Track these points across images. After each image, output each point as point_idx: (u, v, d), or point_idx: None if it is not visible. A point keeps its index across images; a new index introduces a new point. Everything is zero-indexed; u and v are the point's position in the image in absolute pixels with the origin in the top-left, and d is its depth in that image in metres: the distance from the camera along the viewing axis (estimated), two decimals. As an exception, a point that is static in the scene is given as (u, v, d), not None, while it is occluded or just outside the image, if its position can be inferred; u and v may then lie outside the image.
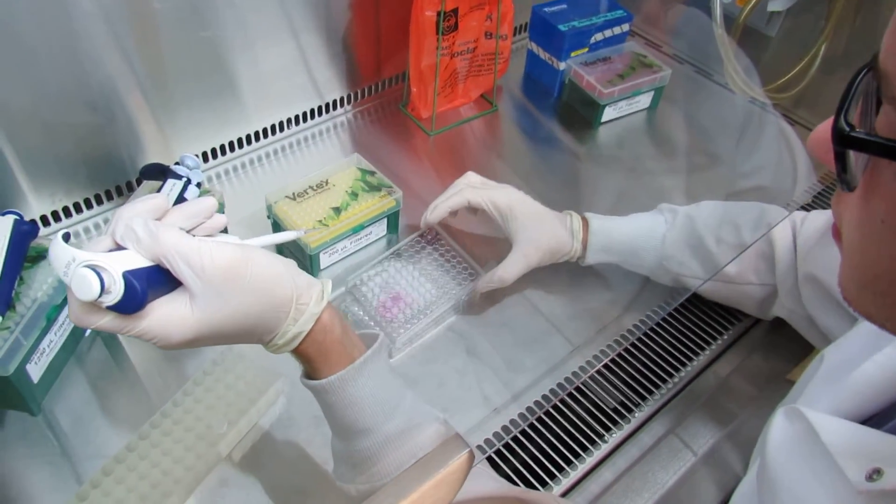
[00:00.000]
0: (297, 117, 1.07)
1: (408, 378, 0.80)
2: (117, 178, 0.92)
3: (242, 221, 0.95)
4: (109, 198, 0.93)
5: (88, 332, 0.80)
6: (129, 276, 0.47)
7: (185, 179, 0.84)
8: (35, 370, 0.73)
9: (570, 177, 1.06)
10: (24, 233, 0.75)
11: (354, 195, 0.90)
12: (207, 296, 0.49)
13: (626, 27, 1.18)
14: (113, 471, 0.69)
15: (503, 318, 0.86)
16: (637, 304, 0.88)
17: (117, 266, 0.47)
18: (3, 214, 0.75)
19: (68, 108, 0.83)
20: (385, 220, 0.92)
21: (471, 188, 0.86)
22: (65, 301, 0.76)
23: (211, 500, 0.70)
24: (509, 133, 1.14)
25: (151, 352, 0.80)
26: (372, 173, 0.93)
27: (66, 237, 0.48)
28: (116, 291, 0.47)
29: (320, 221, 0.86)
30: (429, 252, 0.91)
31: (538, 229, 0.83)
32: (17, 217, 0.75)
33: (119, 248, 0.49)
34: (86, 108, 0.85)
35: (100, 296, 0.47)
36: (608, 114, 1.14)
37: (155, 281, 0.49)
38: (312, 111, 1.08)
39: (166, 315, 0.49)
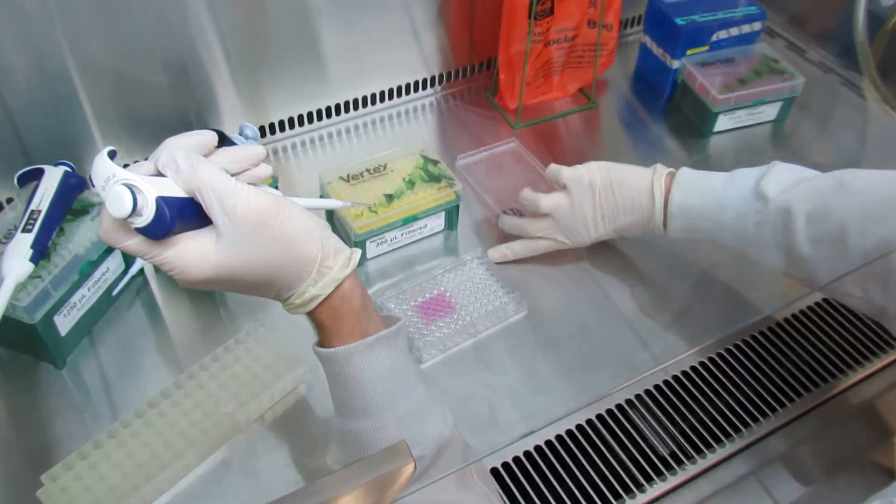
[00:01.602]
0: (380, 94, 1.09)
1: (432, 387, 0.80)
2: (179, 141, 0.98)
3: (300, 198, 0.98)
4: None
5: (123, 284, 0.85)
6: (161, 202, 0.51)
7: (249, 144, 0.87)
8: (63, 323, 0.79)
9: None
10: (72, 185, 0.81)
11: (411, 184, 0.91)
12: (233, 238, 0.52)
13: (757, 26, 1.11)
14: (117, 434, 0.73)
15: (549, 336, 0.85)
16: (710, 334, 0.84)
17: (152, 190, 0.51)
18: (56, 165, 0.82)
19: (146, 65, 0.90)
20: (443, 214, 0.92)
21: (565, 174, 0.87)
22: (100, 259, 0.82)
23: (208, 483, 0.73)
24: (607, 134, 1.11)
25: (187, 319, 0.85)
26: (435, 162, 0.94)
27: (112, 154, 0.53)
28: (147, 214, 0.51)
29: (370, 208, 0.88)
30: (488, 263, 0.91)
31: (599, 176, 0.84)
32: (69, 169, 0.82)
33: (159, 175, 0.53)
34: (162, 66, 0.91)
35: (131, 214, 0.50)
36: (722, 123, 1.09)
37: (186, 213, 0.53)
38: (399, 88, 1.10)
39: (190, 249, 0.53)
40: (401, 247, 0.93)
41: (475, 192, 0.99)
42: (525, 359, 0.83)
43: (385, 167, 0.93)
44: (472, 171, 1.03)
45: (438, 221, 0.93)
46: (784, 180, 0.77)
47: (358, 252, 0.59)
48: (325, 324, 0.59)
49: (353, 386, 0.59)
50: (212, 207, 0.52)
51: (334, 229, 0.93)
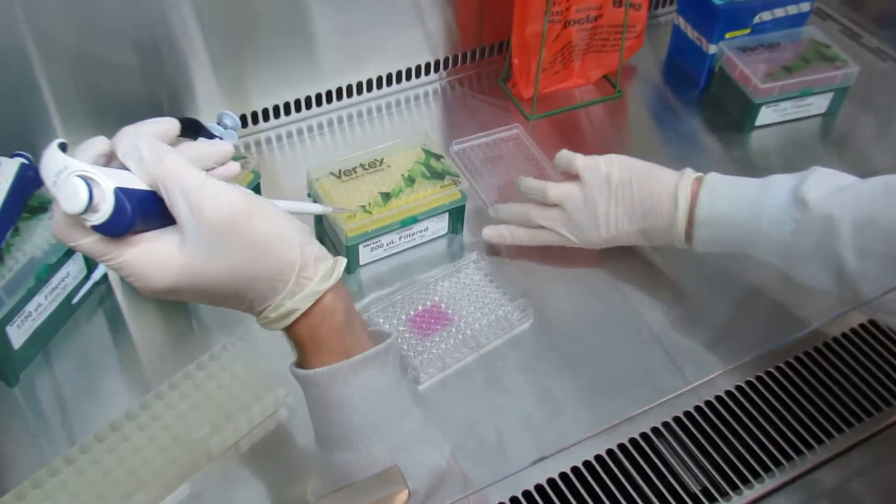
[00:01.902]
0: (377, 79, 1.07)
1: (432, 412, 0.78)
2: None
3: (281, 198, 0.94)
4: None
5: (84, 291, 0.84)
6: (120, 193, 0.50)
7: (216, 140, 0.85)
8: (17, 334, 0.77)
9: None
10: (29, 179, 0.78)
11: (411, 181, 0.89)
12: (199, 241, 0.51)
13: (805, 6, 1.09)
14: (75, 460, 0.71)
15: (562, 352, 0.83)
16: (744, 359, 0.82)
17: (110, 182, 0.50)
18: (12, 157, 0.80)
19: (113, 44, 0.88)
20: (446, 215, 0.90)
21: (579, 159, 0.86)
22: (59, 262, 0.79)
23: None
24: (634, 127, 1.09)
25: (155, 332, 0.83)
26: (438, 157, 0.92)
27: (64, 147, 0.51)
28: (105, 210, 0.49)
29: (363, 207, 0.86)
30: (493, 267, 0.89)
31: (618, 171, 0.83)
32: (25, 161, 0.79)
33: (119, 168, 0.52)
34: (132, 45, 0.89)
35: (86, 210, 0.49)
36: (765, 116, 1.06)
37: (149, 209, 0.52)
38: (399, 73, 1.09)
39: (150, 252, 0.51)
40: (398, 252, 0.91)
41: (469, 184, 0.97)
42: (537, 377, 0.81)
43: (382, 162, 0.91)
44: (465, 158, 1.01)
45: (441, 224, 0.91)
46: (825, 185, 0.75)
47: (343, 261, 0.58)
48: (304, 342, 0.58)
49: (335, 413, 0.58)
50: (176, 204, 0.51)
51: (323, 232, 0.91)
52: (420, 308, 0.85)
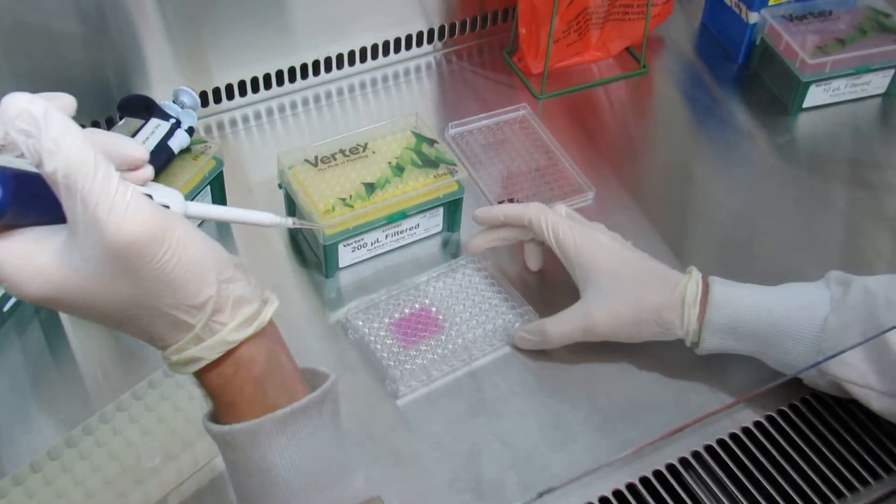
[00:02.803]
0: (360, 51, 1.10)
1: (412, 434, 0.80)
2: (94, 109, 0.98)
3: (248, 189, 0.99)
4: (82, 135, 1.00)
5: (13, 301, 0.86)
6: None
7: (172, 122, 0.88)
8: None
9: (748, 187, 1.03)
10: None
11: (399, 170, 0.91)
12: (91, 258, 0.49)
13: (861, -32, 1.12)
14: (6, 494, 0.72)
15: (577, 374, 0.85)
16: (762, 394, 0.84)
17: None
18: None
19: (54, 9, 0.89)
20: (441, 210, 0.93)
21: (542, 211, 0.87)
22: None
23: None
24: (662, 109, 1.11)
25: (100, 344, 0.85)
26: (431, 142, 0.94)
27: None
28: None
29: (343, 200, 0.88)
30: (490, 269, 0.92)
31: (622, 286, 0.83)
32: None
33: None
34: (74, 10, 0.90)
35: None
36: (815, 96, 1.09)
37: (34, 195, 0.48)
38: (386, 44, 1.11)
39: (26, 251, 0.49)
40: (384, 253, 0.93)
41: (468, 173, 1.00)
42: (543, 398, 0.83)
43: (365, 148, 0.93)
44: (464, 143, 1.04)
45: (435, 220, 0.94)
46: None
47: (273, 306, 0.58)
48: (215, 392, 0.57)
49: (259, 479, 0.57)
50: (72, 209, 0.48)
51: (296, 228, 0.94)
52: (407, 311, 0.87)
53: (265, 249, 0.95)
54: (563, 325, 0.84)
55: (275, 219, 0.65)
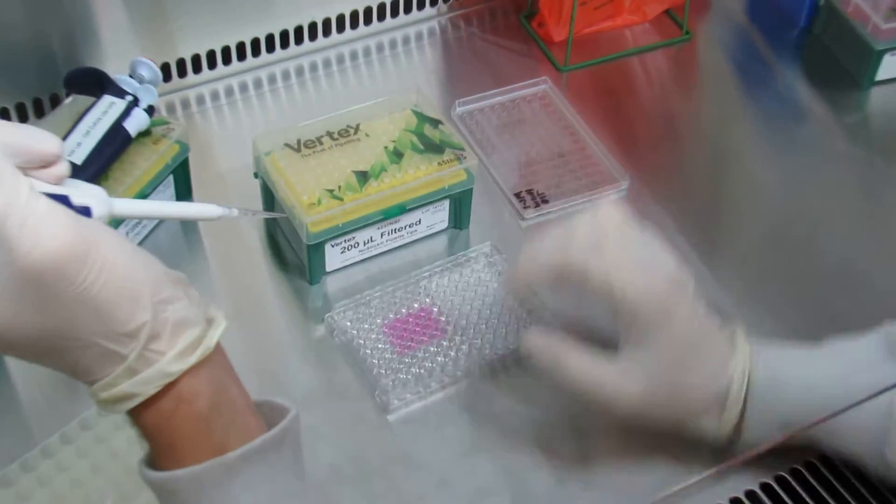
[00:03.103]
0: (351, 15, 1.09)
1: (404, 458, 0.80)
2: (35, 85, 0.98)
3: (218, 179, 0.99)
4: (22, 115, 0.98)
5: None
6: None
7: (129, 99, 0.88)
8: None
9: (810, 176, 1.03)
10: None
11: (397, 155, 0.91)
12: None
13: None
14: None
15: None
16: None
17: None
18: None
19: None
20: (446, 203, 0.93)
21: (582, 249, 0.77)
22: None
23: None
24: (707, 82, 1.11)
25: (44, 375, 0.84)
26: (435, 123, 0.93)
27: None
28: None
29: (331, 192, 0.88)
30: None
31: (664, 366, 0.76)
32: None
33: None
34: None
35: None
36: (891, 67, 1.08)
37: None
38: (382, 7, 1.10)
39: None
40: (380, 254, 0.93)
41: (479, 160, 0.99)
42: (564, 423, 0.83)
43: (357, 129, 0.93)
44: (474, 124, 1.03)
45: (439, 215, 0.93)
46: None
47: (219, 328, 0.57)
48: (152, 433, 0.57)
49: None
50: None
51: (275, 226, 0.94)
52: (404, 311, 0.87)
53: (237, 251, 0.95)
54: (590, 374, 0.77)
55: (218, 210, 0.65)
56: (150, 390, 0.54)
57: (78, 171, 0.82)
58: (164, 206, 0.62)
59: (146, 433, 0.57)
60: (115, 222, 0.86)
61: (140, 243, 0.91)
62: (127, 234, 0.89)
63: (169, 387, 0.55)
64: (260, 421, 0.59)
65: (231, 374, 0.59)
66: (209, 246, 0.95)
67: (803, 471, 0.81)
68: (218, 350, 0.57)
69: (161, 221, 0.93)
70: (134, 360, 0.53)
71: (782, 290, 0.92)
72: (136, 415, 0.56)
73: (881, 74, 1.09)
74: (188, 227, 0.95)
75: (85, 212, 0.55)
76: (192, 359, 0.55)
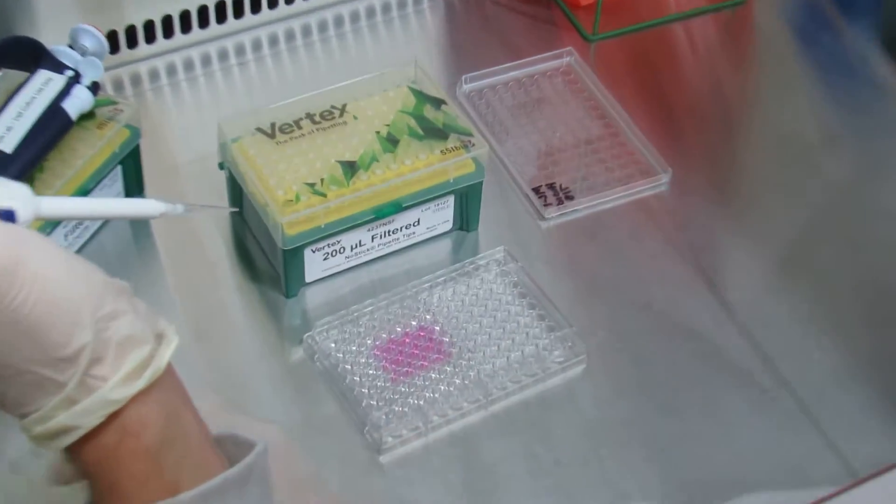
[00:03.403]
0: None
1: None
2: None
3: (178, 171, 0.98)
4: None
5: None
6: None
7: (68, 74, 0.87)
8: None
9: (889, 164, 1.03)
10: None
11: (392, 142, 0.90)
12: None
13: None
14: None
15: (646, 427, 0.84)
16: None
17: None
18: None
19: None
20: (451, 200, 0.92)
21: None
22: None
23: None
24: (766, 54, 1.12)
25: None
26: (438, 103, 0.93)
27: None
28: None
29: (312, 186, 0.87)
30: (523, 280, 0.91)
31: None
32: None
33: None
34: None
35: None
36: None
37: None
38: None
39: None
40: (371, 261, 0.93)
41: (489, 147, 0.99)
42: (594, 459, 0.82)
43: (343, 111, 0.92)
44: (484, 104, 1.02)
45: (443, 214, 0.93)
46: None
47: (171, 345, 0.57)
48: (94, 472, 0.57)
49: None
50: None
51: (244, 226, 0.94)
52: (399, 330, 0.87)
53: (198, 258, 0.95)
54: None
55: (160, 206, 0.65)
56: (92, 422, 0.54)
57: (8, 162, 0.83)
58: (97, 204, 0.62)
59: (87, 472, 0.57)
60: (50, 224, 0.86)
61: (80, 249, 0.92)
62: (66, 237, 0.90)
63: (113, 417, 0.55)
64: (220, 457, 0.59)
65: (185, 401, 0.58)
66: (164, 251, 0.95)
67: None
68: (169, 372, 0.57)
69: (106, 222, 0.93)
70: (73, 388, 0.53)
71: (860, 310, 0.92)
72: (76, 451, 0.55)
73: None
74: (139, 228, 0.95)
75: (7, 216, 0.55)
76: (140, 383, 0.55)
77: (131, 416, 0.55)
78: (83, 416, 0.54)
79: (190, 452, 0.58)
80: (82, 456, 0.56)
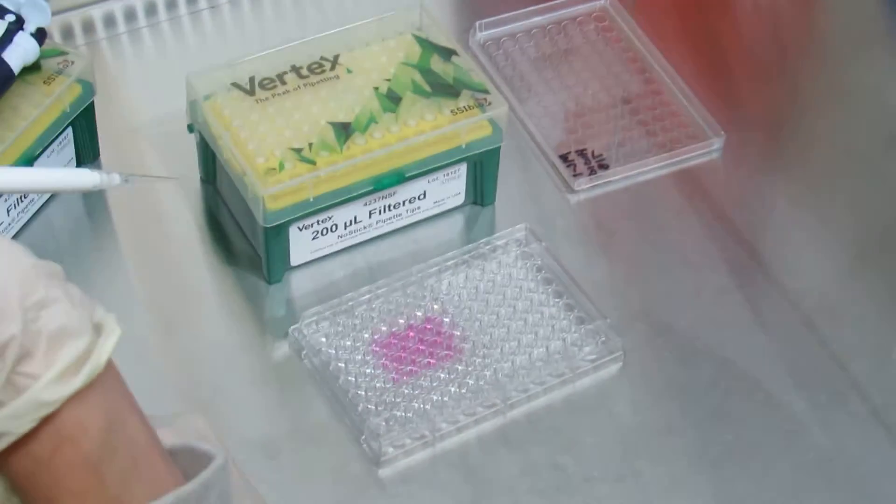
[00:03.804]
0: None
1: None
2: None
3: (138, 133, 1.00)
4: None
5: None
6: None
7: (9, 19, 0.88)
8: None
9: None
10: None
11: (393, 100, 0.92)
12: None
13: None
14: None
15: (697, 439, 0.86)
16: None
17: None
18: None
19: None
20: (463, 168, 0.93)
21: None
22: None
23: None
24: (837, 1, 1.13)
25: None
26: (447, 54, 0.94)
27: None
28: None
29: (298, 152, 0.88)
30: (548, 263, 0.93)
31: None
32: None
33: None
34: None
35: None
36: None
37: None
38: None
39: None
40: (369, 241, 0.94)
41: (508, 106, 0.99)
42: (631, 479, 0.83)
43: (335, 63, 0.94)
44: (502, 56, 1.04)
45: (454, 185, 0.95)
46: None
47: (112, 338, 0.58)
48: (25, 486, 0.58)
49: None
50: None
51: (216, 199, 0.96)
52: (402, 322, 0.88)
53: (164, 236, 0.97)
54: None
55: (94, 177, 0.66)
56: (22, 427, 0.55)
57: None
58: (20, 175, 0.63)
59: (18, 485, 0.57)
60: None
61: (25, 226, 0.93)
62: (8, 212, 0.90)
63: (46, 422, 0.55)
64: (173, 470, 0.60)
65: (131, 404, 0.59)
66: (123, 229, 0.97)
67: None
68: (111, 370, 0.57)
69: (54, 195, 0.94)
70: (0, 387, 0.54)
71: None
72: (4, 461, 0.56)
73: None
74: (93, 201, 0.96)
75: None
76: (77, 382, 0.55)
77: (68, 420, 0.56)
78: (12, 420, 0.54)
79: (136, 464, 0.58)
80: (12, 466, 0.56)
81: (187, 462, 0.61)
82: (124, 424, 0.58)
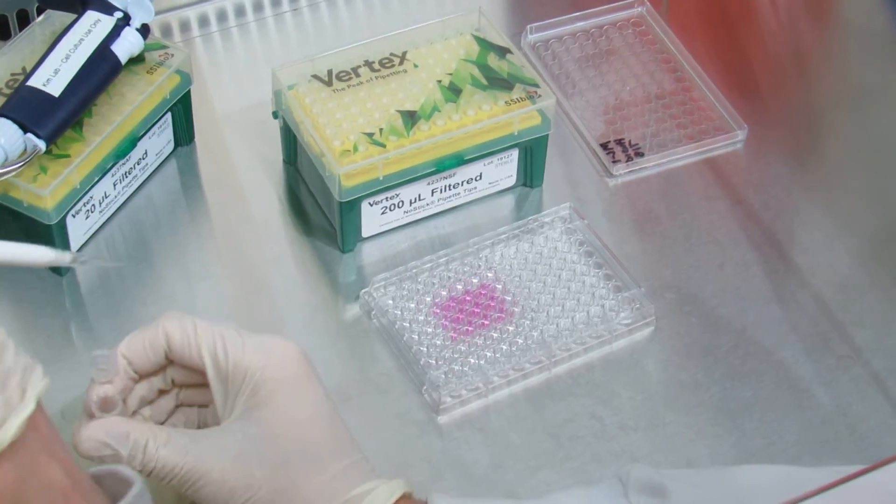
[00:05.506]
0: None
1: (459, 475, 0.82)
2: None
3: (229, 119, 1.02)
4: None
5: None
6: None
7: (118, 16, 0.90)
8: None
9: None
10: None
11: (454, 91, 0.93)
12: None
13: None
14: None
15: (723, 399, 0.87)
16: None
17: None
18: None
19: None
20: (514, 153, 0.95)
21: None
22: None
23: None
24: (852, 7, 1.13)
25: None
26: (502, 52, 0.96)
27: None
28: None
29: (370, 136, 0.90)
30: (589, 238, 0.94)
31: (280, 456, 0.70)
32: None
33: None
34: None
35: None
36: None
37: None
38: None
39: None
40: (431, 216, 0.96)
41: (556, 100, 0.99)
42: (661, 429, 0.86)
43: (403, 59, 0.96)
44: (551, 55, 1.06)
45: (506, 169, 0.96)
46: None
47: (22, 415, 0.56)
48: None
49: None
50: None
51: (297, 178, 0.98)
52: (460, 287, 0.91)
53: (248, 211, 0.98)
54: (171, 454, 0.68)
55: (49, 254, 0.66)
56: None
57: (55, 105, 0.85)
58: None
59: None
60: (99, 172, 0.88)
61: (127, 201, 0.95)
62: (115, 185, 0.92)
63: None
64: (95, 499, 0.59)
65: (50, 450, 0.58)
66: (215, 204, 0.98)
67: None
68: (31, 424, 0.56)
69: (154, 172, 0.97)
70: None
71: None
72: None
73: None
74: (188, 178, 0.98)
75: None
76: (10, 429, 0.55)
77: None
78: None
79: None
80: None
81: (113, 485, 0.60)
82: (38, 474, 0.57)
